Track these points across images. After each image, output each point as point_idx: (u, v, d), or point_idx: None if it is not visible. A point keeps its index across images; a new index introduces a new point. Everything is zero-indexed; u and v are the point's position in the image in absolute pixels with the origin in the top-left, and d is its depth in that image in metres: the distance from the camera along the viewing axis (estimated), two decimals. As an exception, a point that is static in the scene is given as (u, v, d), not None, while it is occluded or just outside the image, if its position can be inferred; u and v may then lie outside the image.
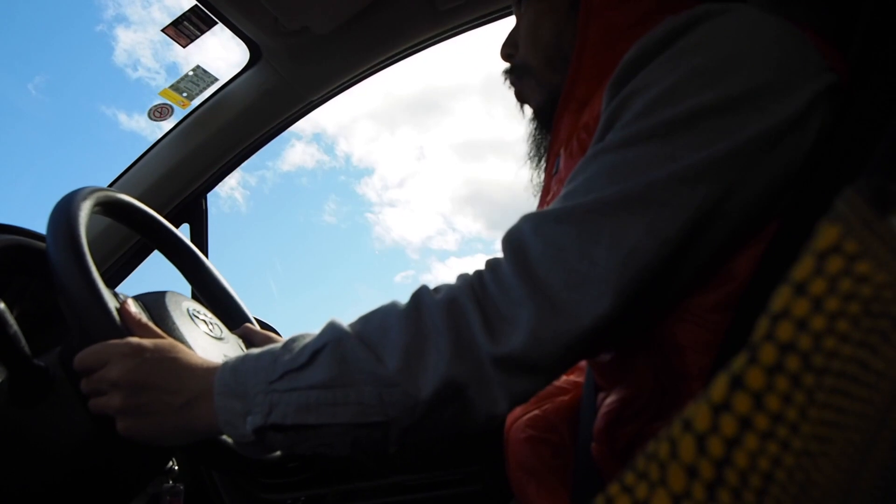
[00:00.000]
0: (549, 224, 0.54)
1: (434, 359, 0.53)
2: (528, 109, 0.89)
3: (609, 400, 0.66)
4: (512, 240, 0.56)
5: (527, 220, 0.56)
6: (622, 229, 0.52)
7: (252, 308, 1.04)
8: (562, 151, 0.73)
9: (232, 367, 0.61)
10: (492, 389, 0.53)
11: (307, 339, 0.59)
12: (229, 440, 0.70)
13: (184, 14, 1.25)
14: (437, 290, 0.58)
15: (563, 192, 0.58)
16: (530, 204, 0.90)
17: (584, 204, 0.54)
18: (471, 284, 0.56)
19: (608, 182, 0.54)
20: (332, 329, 0.58)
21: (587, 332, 0.51)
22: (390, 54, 1.40)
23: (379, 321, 0.57)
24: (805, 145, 0.55)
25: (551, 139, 0.78)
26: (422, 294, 0.57)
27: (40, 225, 0.75)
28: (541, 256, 0.53)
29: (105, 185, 1.45)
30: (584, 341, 0.52)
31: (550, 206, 0.56)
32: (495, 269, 0.55)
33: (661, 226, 0.52)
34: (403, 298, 0.58)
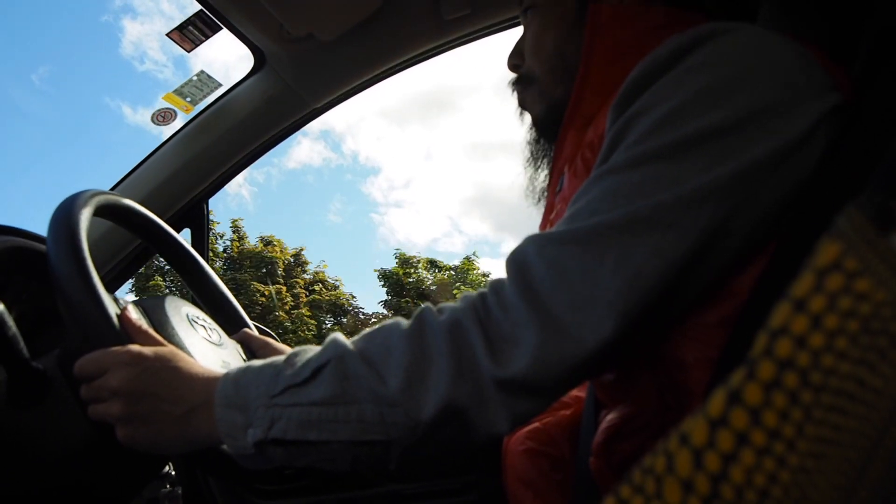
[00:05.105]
0: (554, 246, 0.54)
1: (435, 380, 0.53)
2: (528, 117, 0.89)
3: (610, 416, 0.65)
4: (516, 261, 0.56)
5: (531, 241, 0.56)
6: (627, 252, 0.52)
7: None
8: (566, 169, 0.73)
9: (233, 379, 0.61)
10: (493, 411, 0.53)
11: (309, 354, 0.59)
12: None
13: (189, 19, 1.25)
14: (440, 310, 0.57)
15: (567, 213, 0.57)
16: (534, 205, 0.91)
17: (588, 226, 0.54)
18: (474, 306, 0.55)
19: (613, 204, 0.54)
20: (335, 346, 0.58)
21: (591, 355, 0.51)
22: (395, 63, 1.40)
23: (382, 340, 0.57)
24: (810, 164, 0.54)
25: (555, 155, 0.77)
26: (425, 314, 0.57)
27: (40, 218, 0.75)
28: (545, 278, 0.53)
29: (106, 182, 1.46)
30: (588, 364, 0.52)
31: (555, 228, 0.56)
32: (499, 290, 0.55)
33: (667, 248, 0.52)
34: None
